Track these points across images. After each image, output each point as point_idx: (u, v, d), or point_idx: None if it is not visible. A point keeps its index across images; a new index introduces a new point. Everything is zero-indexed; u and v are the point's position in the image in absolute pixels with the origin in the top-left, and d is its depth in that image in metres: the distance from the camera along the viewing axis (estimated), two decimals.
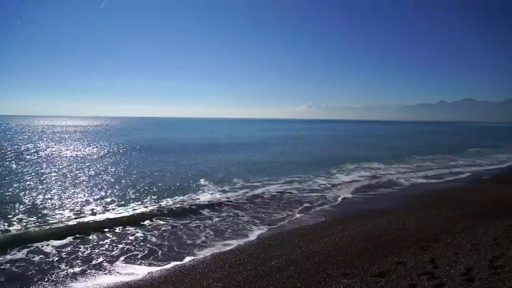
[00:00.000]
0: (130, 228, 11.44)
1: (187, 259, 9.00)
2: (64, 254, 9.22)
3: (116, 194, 16.40)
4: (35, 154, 32.43)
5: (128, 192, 16.76)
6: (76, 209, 13.55)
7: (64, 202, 14.61)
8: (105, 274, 8.10)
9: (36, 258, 8.94)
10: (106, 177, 20.74)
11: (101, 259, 8.95)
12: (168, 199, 15.44)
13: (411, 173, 23.59)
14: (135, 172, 22.85)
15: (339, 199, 15.93)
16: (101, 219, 12.26)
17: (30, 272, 8.16)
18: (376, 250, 8.74)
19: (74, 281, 7.74)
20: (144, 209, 13.66)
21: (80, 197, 15.60)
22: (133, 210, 13.65)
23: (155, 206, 14.12)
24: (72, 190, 16.99)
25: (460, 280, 6.67)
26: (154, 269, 8.38)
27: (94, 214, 13.01)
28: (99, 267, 8.47)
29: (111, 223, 11.87)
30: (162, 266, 8.57)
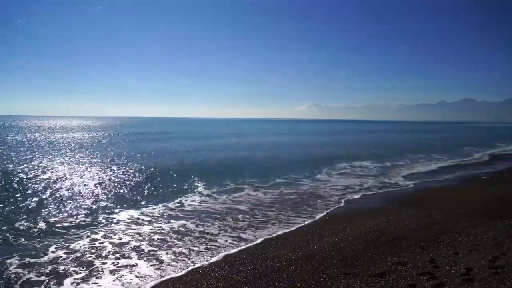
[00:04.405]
0: (134, 228, 11.47)
1: (188, 259, 8.99)
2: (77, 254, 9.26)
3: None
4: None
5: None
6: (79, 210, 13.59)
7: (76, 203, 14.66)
8: (106, 273, 8.12)
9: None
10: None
11: (101, 260, 8.97)
12: (166, 203, 15.46)
13: (412, 173, 23.57)
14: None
15: (339, 199, 15.93)
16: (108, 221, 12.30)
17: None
18: (376, 250, 8.74)
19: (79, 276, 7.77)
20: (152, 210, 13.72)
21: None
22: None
23: (155, 209, 14.18)
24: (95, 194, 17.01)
25: (460, 280, 6.66)
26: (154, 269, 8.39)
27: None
28: (99, 268, 8.49)
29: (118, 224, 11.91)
30: (163, 266, 8.58)
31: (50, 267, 8.50)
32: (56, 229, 11.34)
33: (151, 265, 8.57)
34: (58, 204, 14.49)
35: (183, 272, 8.13)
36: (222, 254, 9.16)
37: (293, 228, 11.41)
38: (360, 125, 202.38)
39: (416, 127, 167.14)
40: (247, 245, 9.81)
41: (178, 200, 15.51)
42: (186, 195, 16.42)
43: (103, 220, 12.38)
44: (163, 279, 7.84)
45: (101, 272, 8.23)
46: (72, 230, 11.31)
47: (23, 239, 10.40)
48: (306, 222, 12.10)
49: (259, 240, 10.22)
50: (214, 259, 8.86)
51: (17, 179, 19.49)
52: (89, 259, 8.99)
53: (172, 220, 12.43)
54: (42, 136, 60.49)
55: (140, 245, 9.91)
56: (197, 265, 8.53)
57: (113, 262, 8.78)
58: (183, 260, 8.89)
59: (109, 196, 16.11)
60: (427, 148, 44.39)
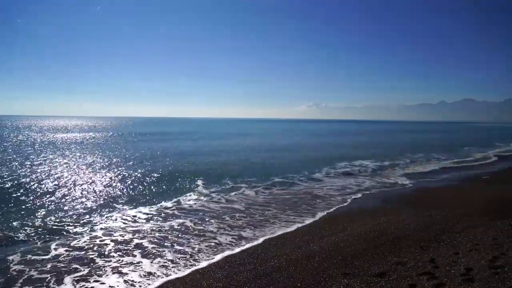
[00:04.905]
0: (131, 228, 11.48)
1: (190, 258, 9.00)
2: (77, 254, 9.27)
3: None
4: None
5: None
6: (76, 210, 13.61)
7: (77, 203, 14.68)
8: (107, 270, 8.13)
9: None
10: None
11: (102, 260, 8.97)
12: (165, 202, 15.47)
13: (411, 173, 23.56)
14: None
15: (339, 199, 15.94)
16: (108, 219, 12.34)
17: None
18: (376, 250, 8.74)
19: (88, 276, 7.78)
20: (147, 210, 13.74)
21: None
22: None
23: (153, 208, 14.21)
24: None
25: (460, 280, 6.66)
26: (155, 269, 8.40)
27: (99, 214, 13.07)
28: (99, 268, 8.49)
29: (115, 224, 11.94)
30: (164, 265, 8.58)
31: (52, 265, 8.58)
32: (57, 227, 11.43)
33: (153, 264, 8.57)
34: (58, 202, 14.52)
35: (187, 272, 8.13)
36: (222, 254, 9.15)
37: (293, 228, 11.41)
38: (360, 125, 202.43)
39: (416, 127, 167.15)
40: (247, 245, 9.82)
41: (176, 199, 15.54)
42: (186, 195, 16.44)
43: (103, 218, 12.48)
44: (163, 280, 7.83)
45: (103, 270, 8.29)
46: (73, 228, 11.40)
47: (24, 237, 10.51)
48: (306, 222, 12.10)
49: (259, 240, 10.22)
50: (214, 259, 8.86)
51: (19, 178, 19.49)
52: (91, 256, 9.08)
53: (171, 219, 12.43)
54: (43, 136, 60.53)
55: (141, 243, 9.94)
56: (199, 264, 8.54)
57: (114, 260, 8.85)
58: (185, 259, 8.89)
59: (110, 195, 16.11)
60: (427, 148, 44.39)
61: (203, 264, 8.56)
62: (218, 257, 8.98)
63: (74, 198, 15.52)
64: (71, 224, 11.80)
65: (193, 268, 8.31)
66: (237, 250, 9.46)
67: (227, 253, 9.28)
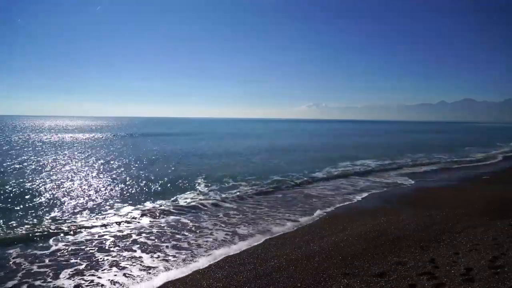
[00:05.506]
0: (126, 228, 11.49)
1: (187, 259, 9.00)
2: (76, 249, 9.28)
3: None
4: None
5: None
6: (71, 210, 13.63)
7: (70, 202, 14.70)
8: (105, 265, 8.13)
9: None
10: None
11: (100, 259, 8.98)
12: (165, 200, 15.49)
13: (412, 173, 23.56)
14: None
15: (339, 198, 15.93)
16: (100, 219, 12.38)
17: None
18: (376, 250, 8.74)
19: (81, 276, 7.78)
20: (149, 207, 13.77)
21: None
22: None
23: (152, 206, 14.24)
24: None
25: (460, 280, 6.66)
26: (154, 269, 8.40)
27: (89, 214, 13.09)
28: (98, 266, 8.49)
29: (113, 222, 11.96)
30: (163, 260, 8.59)
31: (51, 259, 8.71)
32: (57, 223, 11.54)
33: (153, 259, 8.57)
34: (58, 199, 14.56)
35: (187, 272, 8.13)
36: (222, 254, 9.14)
37: (293, 228, 11.41)
38: (360, 125, 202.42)
39: (416, 127, 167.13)
40: (247, 245, 9.82)
41: (175, 198, 15.59)
42: (185, 193, 16.46)
43: (103, 215, 12.64)
44: (163, 279, 7.83)
45: (102, 264, 8.42)
46: (72, 224, 11.52)
47: (24, 233, 10.62)
48: (306, 222, 12.10)
49: (259, 240, 10.23)
50: (214, 259, 8.86)
51: (20, 177, 19.48)
52: (90, 251, 9.25)
53: (171, 217, 12.47)
54: (44, 137, 60.56)
55: (140, 239, 10.04)
56: (198, 264, 8.55)
57: (113, 254, 9.02)
58: (184, 254, 8.92)
59: (109, 193, 16.12)
60: (427, 148, 44.39)
61: (203, 264, 8.55)
62: (218, 256, 8.98)
63: (74, 196, 15.53)
64: (70, 221, 11.90)
65: (193, 268, 8.30)
66: (237, 250, 9.46)
67: (226, 251, 9.29)
